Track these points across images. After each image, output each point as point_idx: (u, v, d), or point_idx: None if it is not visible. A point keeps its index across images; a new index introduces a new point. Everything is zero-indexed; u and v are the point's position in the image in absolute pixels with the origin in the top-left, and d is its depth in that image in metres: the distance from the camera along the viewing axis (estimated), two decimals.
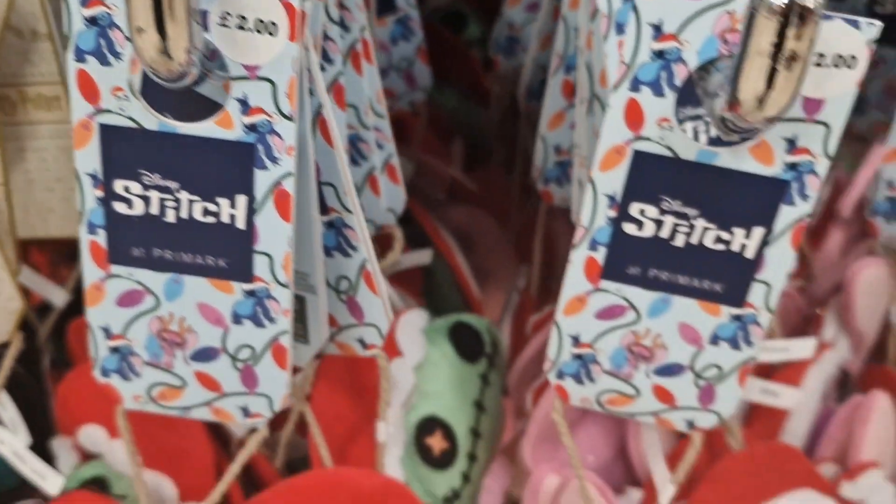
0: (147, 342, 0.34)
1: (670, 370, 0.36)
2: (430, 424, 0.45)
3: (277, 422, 0.42)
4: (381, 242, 0.47)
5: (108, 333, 0.33)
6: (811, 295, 0.53)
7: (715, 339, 0.35)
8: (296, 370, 0.39)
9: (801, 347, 0.47)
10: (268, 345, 0.33)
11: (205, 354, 0.34)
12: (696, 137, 0.31)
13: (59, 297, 0.48)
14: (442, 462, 0.45)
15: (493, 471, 0.46)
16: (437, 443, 0.45)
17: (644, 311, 0.35)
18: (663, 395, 0.37)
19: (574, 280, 0.34)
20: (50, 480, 0.41)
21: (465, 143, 0.70)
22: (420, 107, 0.56)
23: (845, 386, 0.51)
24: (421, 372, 0.45)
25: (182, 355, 0.34)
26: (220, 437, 0.44)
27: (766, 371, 0.48)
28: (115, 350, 0.34)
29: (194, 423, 0.41)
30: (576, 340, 0.36)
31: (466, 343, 0.48)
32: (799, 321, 0.51)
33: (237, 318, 0.33)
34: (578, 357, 0.36)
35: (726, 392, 0.36)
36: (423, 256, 0.52)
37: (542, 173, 0.49)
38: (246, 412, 0.35)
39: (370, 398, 0.42)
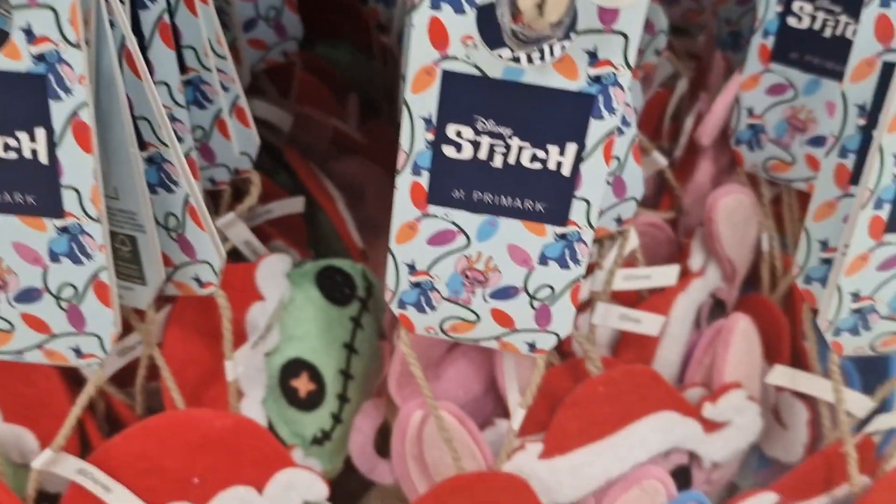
0: None
1: (505, 293, 0.36)
2: (295, 367, 0.45)
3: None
4: (241, 188, 0.47)
5: None
6: (685, 228, 0.53)
7: (544, 259, 0.35)
8: (141, 314, 0.39)
9: (664, 275, 0.47)
10: (88, 282, 0.33)
11: (27, 296, 0.33)
12: (501, 55, 0.31)
13: None
14: (309, 403, 0.45)
15: (365, 410, 0.47)
16: (303, 385, 0.45)
17: (473, 235, 0.35)
18: (502, 318, 0.37)
19: (402, 206, 0.34)
20: None
21: (360, 98, 0.69)
22: (293, 56, 0.56)
23: (721, 316, 0.52)
24: (285, 315, 0.45)
25: (6, 297, 0.33)
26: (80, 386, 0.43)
27: (635, 300, 0.49)
28: None
29: (51, 373, 0.41)
30: (412, 268, 0.36)
31: (335, 286, 0.48)
32: (670, 253, 0.52)
33: (54, 256, 0.32)
34: (416, 285, 0.36)
35: (561, 312, 0.36)
36: (294, 204, 0.51)
37: None
38: (78, 353, 0.35)
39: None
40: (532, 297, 0.36)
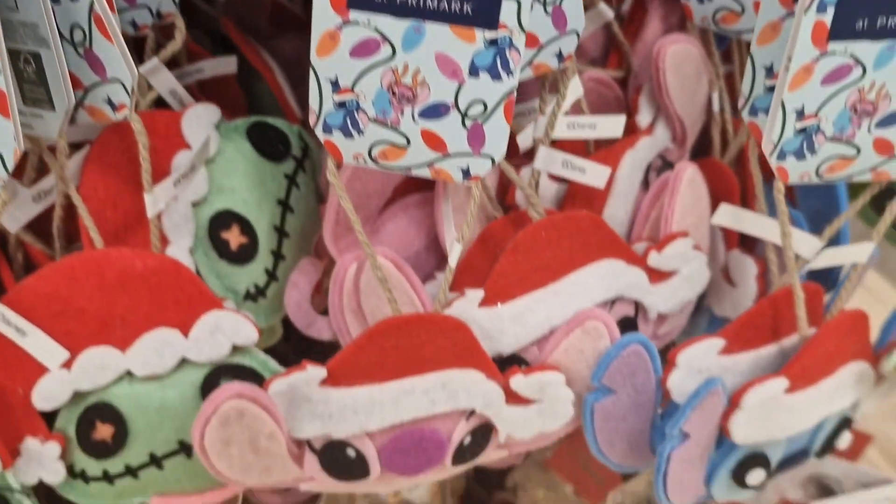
0: None
1: (436, 111, 0.34)
2: (225, 218, 0.43)
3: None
4: (165, 33, 0.44)
5: None
6: (634, 88, 0.51)
7: (474, 70, 0.33)
8: (53, 150, 0.37)
9: (610, 125, 0.45)
10: None
11: None
12: None
13: None
14: (241, 257, 0.43)
15: (301, 267, 0.45)
16: (234, 237, 0.43)
17: (398, 44, 0.33)
18: (433, 140, 0.35)
19: (321, 12, 0.32)
20: None
21: None
22: None
23: None
24: (214, 167, 0.43)
25: None
26: None
27: (583, 154, 0.47)
28: None
29: None
30: (335, 85, 0.34)
31: (268, 142, 0.46)
32: (618, 111, 0.50)
33: None
34: (342, 105, 0.35)
35: (495, 131, 0.35)
36: (227, 64, 0.49)
37: None
38: None
39: None
40: (464, 115, 0.34)
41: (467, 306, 0.41)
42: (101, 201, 0.39)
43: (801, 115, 0.35)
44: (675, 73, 0.47)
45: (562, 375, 0.41)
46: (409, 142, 0.35)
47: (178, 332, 0.38)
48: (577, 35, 0.40)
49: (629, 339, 0.41)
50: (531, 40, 0.39)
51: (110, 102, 0.34)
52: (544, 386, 0.41)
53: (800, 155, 0.37)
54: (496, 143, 0.35)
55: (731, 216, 0.42)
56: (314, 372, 0.38)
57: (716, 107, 0.51)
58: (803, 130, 0.36)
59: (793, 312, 0.43)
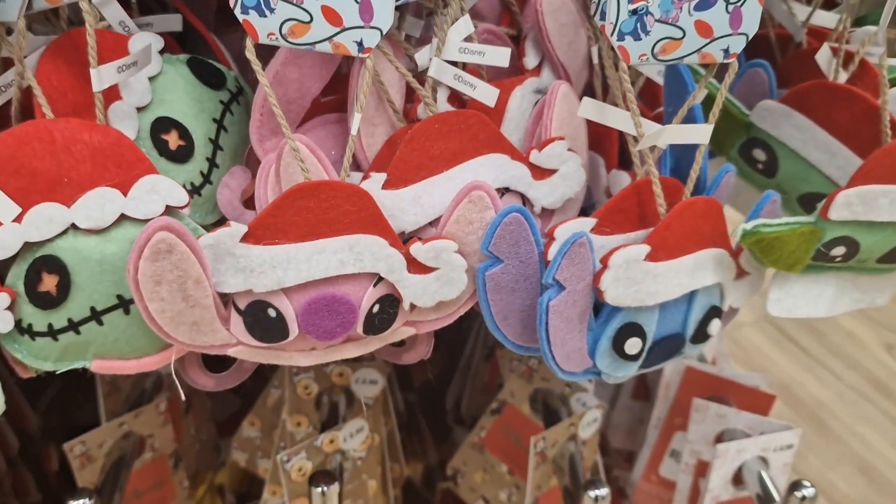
0: None
1: None
2: (164, 123, 0.50)
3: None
4: None
5: None
6: (522, 38, 0.60)
7: None
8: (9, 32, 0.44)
9: (497, 54, 0.53)
10: None
11: None
12: None
13: None
14: (178, 156, 0.50)
15: (232, 171, 0.52)
16: (172, 140, 0.50)
17: None
18: (331, 15, 0.43)
19: None
20: None
21: None
22: None
23: None
24: (157, 83, 0.50)
25: None
26: None
27: None
28: None
29: None
30: None
31: (206, 72, 0.53)
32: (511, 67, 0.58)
33: None
34: None
35: (380, 5, 0.42)
36: (172, 21, 0.57)
37: None
38: None
39: None
40: None
41: (372, 186, 0.48)
42: (55, 88, 0.46)
43: None
44: (552, 20, 0.55)
45: (454, 243, 0.48)
46: (311, 18, 0.43)
47: (119, 192, 0.44)
48: None
49: (510, 208, 0.47)
50: None
51: None
52: (440, 252, 0.47)
53: (636, 35, 0.45)
54: (383, 15, 0.42)
55: (594, 110, 0.49)
56: (236, 228, 0.45)
57: (595, 59, 0.59)
58: (635, 12, 0.44)
59: (655, 204, 0.50)
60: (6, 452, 0.83)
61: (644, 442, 0.84)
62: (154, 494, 0.73)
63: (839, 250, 0.54)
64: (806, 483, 0.65)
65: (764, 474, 0.70)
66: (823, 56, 0.58)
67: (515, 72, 0.57)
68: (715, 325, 0.54)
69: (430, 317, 0.50)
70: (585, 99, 0.50)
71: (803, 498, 0.64)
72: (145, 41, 0.50)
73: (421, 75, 0.52)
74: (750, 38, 0.46)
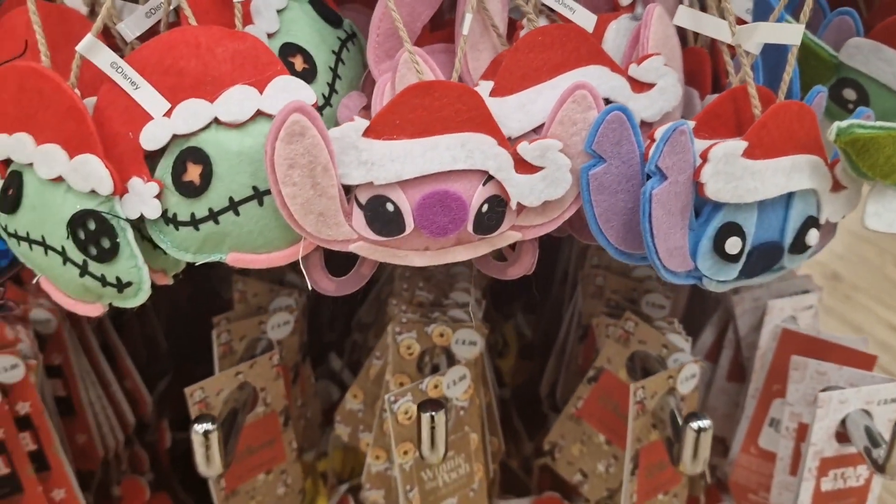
0: None
1: None
2: (290, 48, 0.54)
3: None
4: None
5: None
6: None
7: None
8: None
9: (584, 17, 0.57)
10: None
11: None
12: None
13: None
14: (303, 77, 0.54)
15: (350, 95, 0.56)
16: (298, 62, 0.55)
17: None
18: None
19: None
20: None
21: None
22: None
23: None
24: (283, 15, 0.55)
25: None
26: None
27: None
28: None
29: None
30: None
31: (326, 12, 0.58)
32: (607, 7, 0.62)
33: None
34: None
35: None
36: None
37: None
38: None
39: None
40: None
41: (481, 93, 0.52)
42: (201, 6, 0.51)
43: None
44: None
45: (559, 143, 0.51)
46: None
47: (255, 90, 0.49)
48: None
49: (612, 107, 0.51)
50: None
51: None
52: (545, 150, 0.51)
53: None
54: None
55: (689, 18, 0.53)
56: (360, 122, 0.49)
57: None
58: None
59: (751, 111, 0.53)
60: (125, 430, 0.87)
61: (741, 415, 0.84)
62: (265, 453, 0.76)
63: None
64: None
65: (870, 426, 0.70)
66: None
67: (612, 10, 0.61)
68: (812, 235, 0.55)
69: (535, 221, 0.53)
70: (681, 7, 0.53)
71: None
72: None
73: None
74: None
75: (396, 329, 0.76)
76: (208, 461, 0.62)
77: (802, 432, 0.77)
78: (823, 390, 0.74)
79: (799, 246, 0.55)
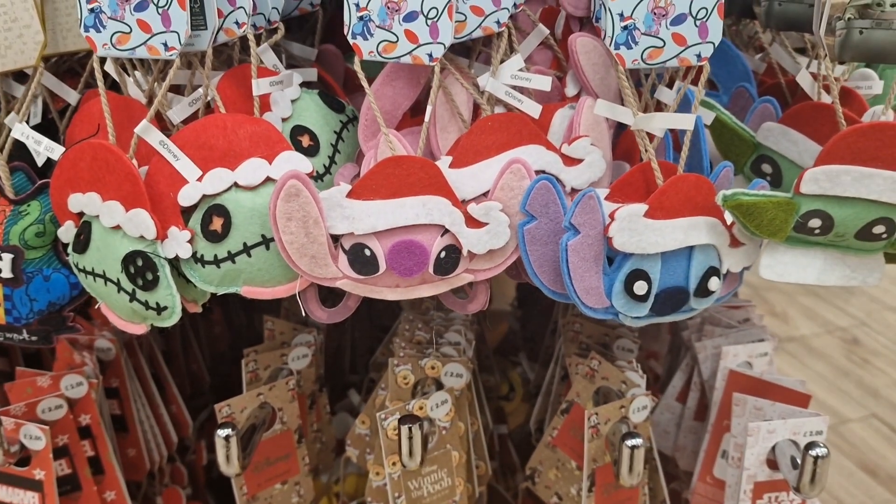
0: None
1: (411, 16, 0.62)
2: (299, 130, 0.70)
3: None
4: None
5: None
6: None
7: None
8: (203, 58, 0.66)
9: (541, 81, 0.72)
10: None
11: (140, 6, 0.61)
12: None
13: (73, 97, 0.76)
14: (308, 152, 0.70)
15: (345, 165, 0.71)
16: (305, 140, 0.70)
17: None
18: (411, 36, 0.63)
19: None
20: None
21: None
22: (317, 7, 0.85)
23: None
24: (296, 104, 0.71)
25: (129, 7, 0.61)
26: None
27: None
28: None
29: None
30: (357, 6, 0.63)
31: (331, 101, 0.74)
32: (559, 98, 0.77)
33: None
34: (360, 19, 0.63)
35: (444, 26, 0.62)
36: (310, 73, 0.79)
37: None
38: (165, 46, 0.62)
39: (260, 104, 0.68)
40: (426, 17, 0.62)
41: (441, 165, 0.66)
42: (228, 100, 0.67)
43: (622, 16, 0.62)
44: (586, 59, 0.74)
45: (500, 204, 0.65)
46: (398, 38, 0.63)
47: (266, 161, 0.64)
48: (508, 10, 0.68)
49: (541, 177, 0.65)
50: (476, 10, 0.67)
51: (237, 22, 0.64)
52: (489, 210, 0.65)
53: (628, 45, 0.63)
54: (445, 34, 0.62)
55: (606, 108, 0.67)
56: (343, 187, 0.64)
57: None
58: (626, 28, 0.62)
59: (656, 181, 0.67)
60: (168, 448, 1.02)
61: (700, 448, 0.96)
62: (281, 466, 0.90)
63: (815, 222, 0.67)
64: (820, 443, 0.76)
65: (795, 455, 0.81)
66: (805, 80, 0.74)
67: (561, 101, 0.75)
68: (714, 283, 0.68)
69: (484, 265, 0.67)
70: (599, 101, 0.67)
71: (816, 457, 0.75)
72: (289, 73, 0.72)
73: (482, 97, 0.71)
74: (716, 45, 0.63)
75: (395, 362, 0.89)
76: (228, 461, 0.76)
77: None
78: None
79: (703, 291, 0.68)
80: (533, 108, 0.71)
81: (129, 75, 0.68)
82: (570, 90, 0.76)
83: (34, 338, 0.71)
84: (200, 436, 1.10)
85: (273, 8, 0.72)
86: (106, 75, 0.77)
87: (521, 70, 0.72)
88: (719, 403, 0.92)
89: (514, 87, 0.70)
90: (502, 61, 0.69)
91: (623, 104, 0.72)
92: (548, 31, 0.77)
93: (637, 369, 0.90)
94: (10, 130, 0.71)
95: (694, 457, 1.02)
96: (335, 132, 0.73)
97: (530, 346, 1.31)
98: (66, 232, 0.67)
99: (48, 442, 0.80)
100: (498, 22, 0.69)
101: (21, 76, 0.74)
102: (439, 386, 0.91)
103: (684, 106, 0.72)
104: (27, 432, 0.80)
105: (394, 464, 0.83)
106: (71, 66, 0.79)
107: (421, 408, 0.84)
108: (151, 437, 1.00)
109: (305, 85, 0.76)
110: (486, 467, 0.97)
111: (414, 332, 0.97)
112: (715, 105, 0.77)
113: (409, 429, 0.76)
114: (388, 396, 0.90)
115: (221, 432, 0.76)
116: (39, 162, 0.70)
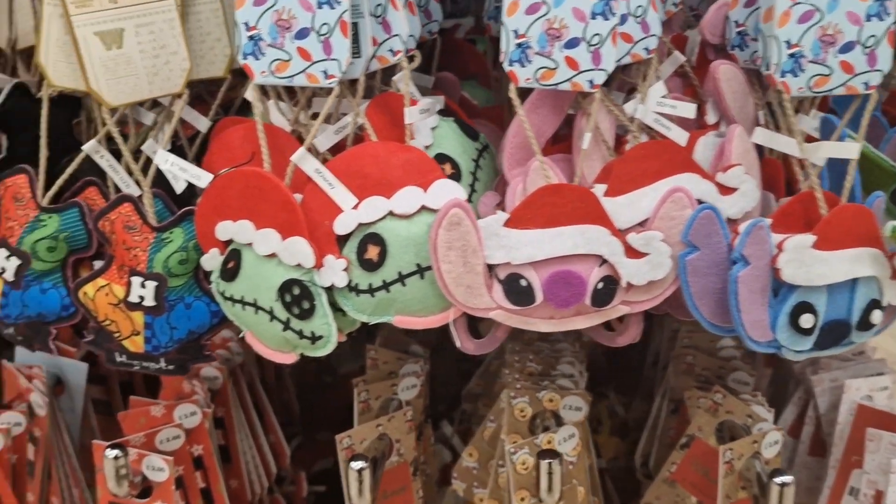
0: None
1: (573, 43, 0.61)
2: (441, 158, 0.69)
3: None
4: None
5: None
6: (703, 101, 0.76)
7: (593, 16, 0.60)
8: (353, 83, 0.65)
9: (686, 108, 0.70)
10: (336, 22, 0.60)
11: (302, 34, 0.60)
12: None
13: (203, 125, 0.75)
14: (452, 179, 0.68)
15: (487, 194, 0.70)
16: (447, 169, 0.69)
17: (552, 2, 0.61)
18: (572, 63, 0.62)
19: None
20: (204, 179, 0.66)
21: None
22: (436, 35, 0.85)
23: None
24: (435, 132, 0.70)
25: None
26: None
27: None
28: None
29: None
30: (515, 33, 0.62)
31: (467, 129, 0.73)
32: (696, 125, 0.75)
33: (320, 5, 0.59)
34: (519, 46, 0.62)
35: (607, 54, 0.61)
36: (438, 102, 0.78)
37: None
38: (325, 74, 0.61)
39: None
40: (588, 44, 0.61)
41: (597, 193, 0.65)
42: (377, 127, 0.66)
43: (789, 44, 0.60)
44: (727, 86, 0.72)
45: (661, 234, 0.63)
46: (557, 65, 0.62)
47: (421, 189, 0.63)
48: (658, 37, 0.67)
49: (704, 206, 0.63)
50: (625, 38, 0.66)
51: (391, 50, 0.63)
52: (650, 240, 0.63)
53: (794, 73, 0.61)
54: (608, 60, 0.61)
55: (765, 137, 0.65)
56: (501, 215, 0.62)
57: (762, 120, 0.75)
58: (793, 55, 0.61)
59: (818, 211, 0.65)
60: (268, 478, 1.00)
61: (823, 485, 0.93)
62: (397, 499, 0.88)
63: None
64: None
65: None
66: None
67: (700, 129, 0.74)
68: (876, 315, 0.66)
69: (641, 297, 0.65)
70: (758, 129, 0.66)
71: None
72: (430, 103, 0.71)
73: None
74: (885, 72, 0.61)
75: (511, 394, 0.88)
76: (360, 495, 0.75)
77: (879, 498, 0.85)
78: None
79: (865, 324, 0.66)
80: (680, 136, 0.70)
81: (270, 101, 0.68)
82: (711, 118, 0.74)
83: (171, 367, 0.70)
84: (294, 466, 1.09)
85: (410, 36, 0.71)
86: (231, 102, 0.76)
87: (663, 97, 0.70)
88: (847, 439, 0.89)
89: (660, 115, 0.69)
90: None
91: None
92: (684, 59, 0.76)
93: (764, 403, 0.88)
94: (148, 157, 0.70)
95: (809, 493, 0.99)
96: (473, 160, 0.71)
97: (619, 378, 1.29)
98: (211, 259, 0.66)
99: (171, 473, 0.79)
100: (647, 49, 0.67)
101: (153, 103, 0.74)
102: (557, 419, 0.89)
103: (825, 134, 0.70)
104: (150, 463, 0.79)
105: (522, 499, 0.81)
106: (198, 93, 0.79)
107: (549, 442, 0.82)
108: (253, 467, 0.98)
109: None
110: (600, 502, 0.95)
111: (525, 363, 0.95)
112: (852, 135, 0.75)
113: (549, 464, 0.74)
114: (505, 429, 0.88)
115: (355, 465, 0.74)
116: (178, 189, 0.69)
